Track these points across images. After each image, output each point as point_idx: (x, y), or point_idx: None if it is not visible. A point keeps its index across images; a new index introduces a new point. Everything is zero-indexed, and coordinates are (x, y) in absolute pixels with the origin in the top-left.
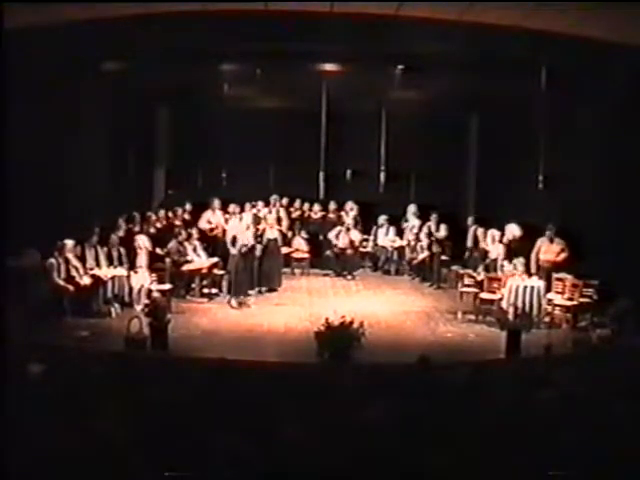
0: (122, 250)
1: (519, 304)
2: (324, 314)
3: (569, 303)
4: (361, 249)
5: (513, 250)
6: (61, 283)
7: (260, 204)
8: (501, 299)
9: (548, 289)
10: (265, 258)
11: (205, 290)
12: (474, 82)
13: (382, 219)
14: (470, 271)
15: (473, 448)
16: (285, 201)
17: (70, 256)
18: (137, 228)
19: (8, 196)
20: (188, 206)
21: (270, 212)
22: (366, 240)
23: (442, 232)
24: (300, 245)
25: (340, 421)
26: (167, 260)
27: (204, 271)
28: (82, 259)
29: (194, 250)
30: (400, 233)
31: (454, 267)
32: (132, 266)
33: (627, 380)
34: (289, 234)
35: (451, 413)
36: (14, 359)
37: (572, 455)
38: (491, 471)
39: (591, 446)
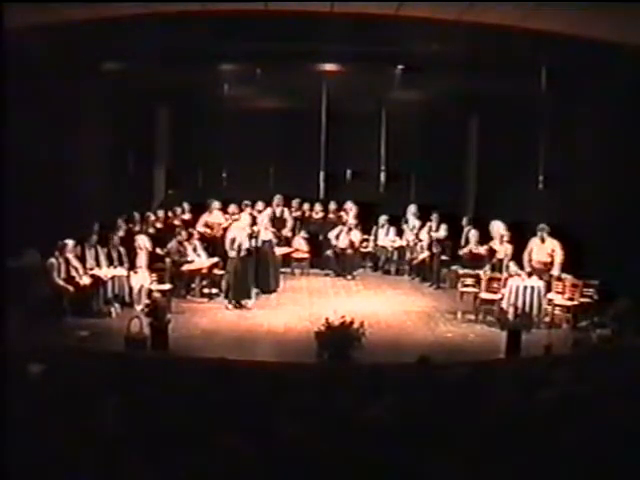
0: (122, 250)
1: (519, 304)
2: (324, 314)
3: (569, 303)
4: (361, 249)
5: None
6: (61, 283)
7: (260, 204)
8: (501, 299)
9: (548, 289)
10: (259, 260)
11: (205, 290)
12: (474, 82)
13: (383, 219)
14: (469, 271)
15: (473, 448)
16: (295, 202)
17: (70, 256)
18: (137, 228)
19: (8, 196)
20: (188, 206)
21: (268, 213)
22: (366, 240)
23: (442, 232)
24: (300, 245)
25: (340, 421)
26: (167, 260)
27: (204, 271)
28: (82, 259)
29: (194, 250)
30: (400, 233)
31: (453, 267)
32: (132, 266)
33: (627, 380)
34: (290, 235)
35: (451, 413)
36: (14, 359)
37: (572, 455)
38: (491, 471)
39: (591, 446)
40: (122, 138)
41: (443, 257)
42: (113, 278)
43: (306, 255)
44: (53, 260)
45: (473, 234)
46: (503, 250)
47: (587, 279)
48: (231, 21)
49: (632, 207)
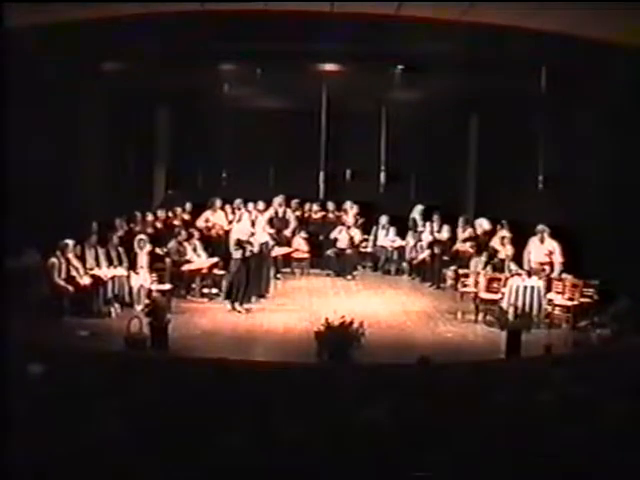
0: (122, 250)
1: (519, 304)
2: (324, 314)
3: (569, 303)
4: (361, 249)
5: (482, 244)
6: (61, 283)
7: (261, 204)
8: (501, 299)
9: (548, 289)
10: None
11: (205, 290)
12: (474, 82)
13: (383, 219)
14: (469, 271)
15: (473, 448)
16: (295, 203)
17: (71, 256)
18: (137, 228)
19: (8, 196)
20: (188, 206)
21: (267, 214)
22: (366, 240)
23: (445, 233)
24: (300, 245)
25: (340, 421)
26: (167, 260)
27: (204, 271)
28: (82, 259)
29: (194, 250)
30: (400, 233)
31: (452, 267)
32: (132, 266)
33: (627, 380)
34: (290, 235)
35: (451, 413)
36: (14, 359)
37: (572, 455)
38: (491, 471)
39: (591, 446)
40: (122, 138)
41: (444, 257)
42: (113, 278)
43: (306, 255)
44: (54, 260)
45: (461, 231)
46: (504, 251)
47: (587, 279)
48: (231, 21)
49: (632, 207)
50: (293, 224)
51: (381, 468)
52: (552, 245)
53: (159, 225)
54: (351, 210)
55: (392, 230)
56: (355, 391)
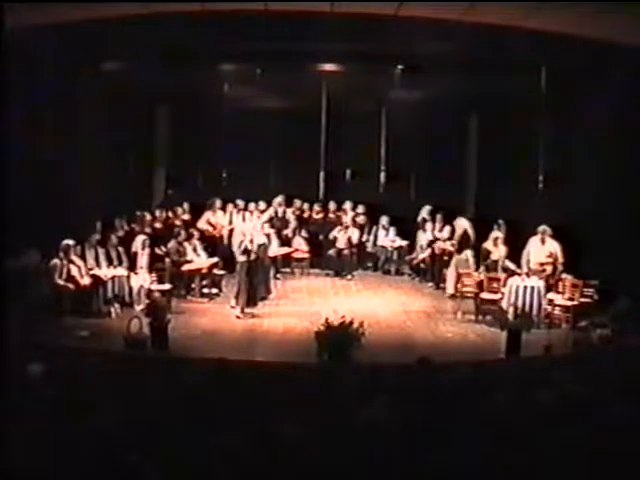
0: (121, 250)
1: (519, 304)
2: (324, 314)
3: (569, 303)
4: (361, 249)
5: (463, 244)
6: (61, 283)
7: (262, 205)
8: (501, 299)
9: (548, 289)
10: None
11: (205, 290)
12: (474, 82)
13: (383, 219)
14: (469, 271)
15: (473, 448)
16: (295, 202)
17: (73, 257)
18: (137, 228)
19: (8, 196)
20: (188, 206)
21: (266, 215)
22: (366, 240)
23: (446, 234)
24: (300, 245)
25: (340, 421)
26: (167, 260)
27: (204, 271)
28: (82, 259)
29: (194, 250)
30: (400, 233)
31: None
32: (132, 266)
33: (627, 380)
34: (290, 235)
35: (451, 413)
36: (14, 359)
37: (572, 455)
38: (491, 471)
39: (591, 446)
40: (122, 138)
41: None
42: (113, 278)
43: (306, 255)
44: (57, 261)
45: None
46: (497, 252)
47: (587, 279)
48: (231, 21)
49: (632, 207)
50: (293, 224)
51: (381, 468)
52: (554, 246)
53: (159, 225)
54: (351, 210)
55: (392, 230)
56: (355, 391)
